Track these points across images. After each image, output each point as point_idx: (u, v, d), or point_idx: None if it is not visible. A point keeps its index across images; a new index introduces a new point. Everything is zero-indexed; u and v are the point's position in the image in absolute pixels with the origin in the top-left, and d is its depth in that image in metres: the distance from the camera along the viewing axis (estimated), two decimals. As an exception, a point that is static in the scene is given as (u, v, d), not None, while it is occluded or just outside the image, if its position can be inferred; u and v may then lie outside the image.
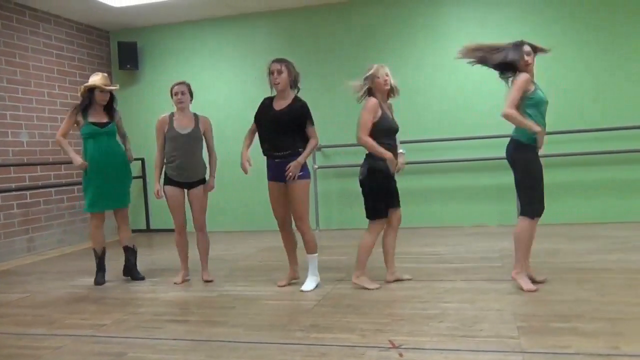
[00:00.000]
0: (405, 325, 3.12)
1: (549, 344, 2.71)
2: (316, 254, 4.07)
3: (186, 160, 4.34)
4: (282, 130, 3.89)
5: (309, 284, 4.03)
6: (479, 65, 3.82)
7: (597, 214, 6.31)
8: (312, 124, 3.98)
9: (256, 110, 4.06)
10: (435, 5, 6.75)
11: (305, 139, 3.97)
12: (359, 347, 2.82)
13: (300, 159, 3.89)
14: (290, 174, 3.87)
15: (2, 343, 3.23)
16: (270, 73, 3.89)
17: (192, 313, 3.64)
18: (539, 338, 2.79)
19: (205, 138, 4.46)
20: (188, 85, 4.43)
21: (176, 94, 4.34)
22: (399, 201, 4.02)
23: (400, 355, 2.69)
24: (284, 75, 3.86)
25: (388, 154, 3.77)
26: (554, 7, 6.42)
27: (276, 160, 3.94)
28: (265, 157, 4.05)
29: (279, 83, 3.86)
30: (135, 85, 7.84)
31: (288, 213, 4.09)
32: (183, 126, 4.35)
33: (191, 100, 4.46)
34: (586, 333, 2.82)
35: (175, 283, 4.46)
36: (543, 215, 3.66)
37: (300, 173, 3.91)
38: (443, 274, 4.29)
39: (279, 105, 3.95)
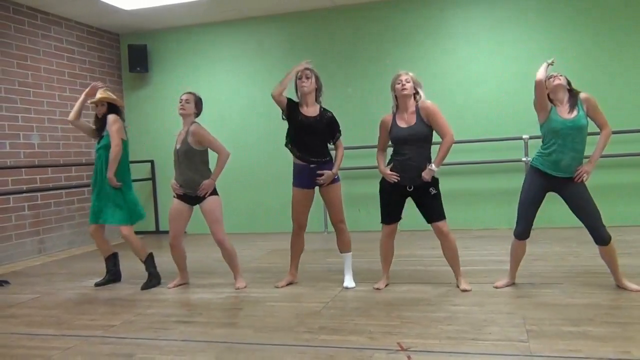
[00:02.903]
0: (414, 327, 3.11)
1: (559, 348, 2.69)
2: (351, 252, 4.23)
3: (180, 177, 4.22)
4: (319, 137, 4.06)
5: (352, 281, 4.16)
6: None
7: (607, 217, 6.22)
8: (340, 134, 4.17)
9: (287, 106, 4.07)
10: (442, 9, 6.74)
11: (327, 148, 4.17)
12: (367, 350, 2.81)
13: (335, 169, 4.08)
14: (322, 181, 4.04)
15: (12, 343, 3.26)
16: (299, 78, 4.01)
17: (200, 314, 3.65)
18: (548, 342, 2.77)
19: (207, 145, 4.22)
20: (196, 97, 4.29)
21: (180, 100, 4.23)
22: (394, 218, 3.96)
23: (409, 357, 2.68)
24: (312, 80, 4.00)
25: (383, 171, 3.90)
26: (555, 13, 6.39)
27: (311, 165, 4.05)
28: (294, 162, 4.13)
29: (305, 86, 3.98)
30: (145, 87, 7.89)
31: (307, 219, 4.23)
32: (179, 140, 4.24)
33: (198, 114, 4.29)
34: (597, 337, 2.80)
35: (168, 287, 4.43)
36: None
37: (338, 176, 4.13)
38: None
39: (308, 111, 4.04)
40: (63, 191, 6.77)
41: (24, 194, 6.23)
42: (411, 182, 3.80)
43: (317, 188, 4.13)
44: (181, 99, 4.24)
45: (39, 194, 6.45)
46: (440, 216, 3.85)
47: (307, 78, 3.99)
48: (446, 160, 6.56)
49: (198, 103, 4.30)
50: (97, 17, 7.09)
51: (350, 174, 6.97)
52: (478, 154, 6.60)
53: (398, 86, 3.76)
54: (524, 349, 2.70)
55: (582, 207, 3.53)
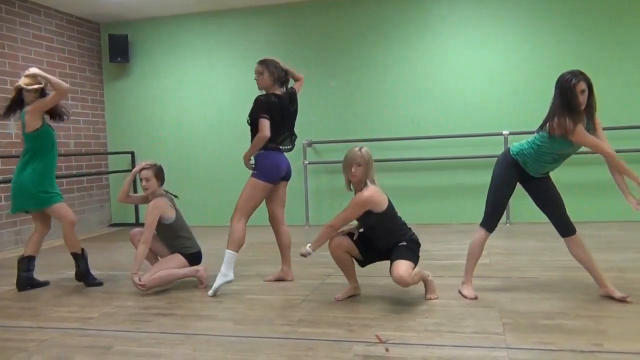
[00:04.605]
0: (392, 320, 3.14)
1: (534, 340, 2.74)
2: (231, 252, 3.87)
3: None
4: (251, 125, 3.99)
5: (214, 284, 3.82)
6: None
7: (583, 213, 6.35)
8: (263, 117, 3.82)
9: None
10: (427, 2, 6.77)
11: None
12: (345, 342, 2.83)
13: (245, 152, 4.01)
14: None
15: (-13, 335, 3.22)
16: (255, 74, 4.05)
17: (180, 307, 3.64)
18: (523, 334, 2.82)
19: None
20: (156, 168, 4.06)
21: (141, 180, 4.01)
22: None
23: (387, 350, 2.71)
24: (263, 76, 3.97)
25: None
26: (552, 9, 6.47)
27: None
28: None
29: (259, 83, 4.01)
30: (126, 78, 7.79)
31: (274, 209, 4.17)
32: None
33: (162, 184, 4.11)
34: (570, 330, 2.86)
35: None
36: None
37: (254, 172, 3.97)
38: (431, 270, 4.26)
39: None
40: (41, 182, 6.67)
41: (1, 185, 6.13)
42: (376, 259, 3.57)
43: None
44: (141, 178, 4.00)
45: (16, 184, 6.34)
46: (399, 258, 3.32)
47: (260, 74, 3.97)
48: (427, 155, 6.69)
49: (159, 173, 4.08)
50: (77, 6, 6.98)
51: (333, 167, 6.98)
52: (458, 149, 6.66)
53: (350, 172, 3.33)
54: (499, 341, 2.74)
55: (551, 198, 3.42)
